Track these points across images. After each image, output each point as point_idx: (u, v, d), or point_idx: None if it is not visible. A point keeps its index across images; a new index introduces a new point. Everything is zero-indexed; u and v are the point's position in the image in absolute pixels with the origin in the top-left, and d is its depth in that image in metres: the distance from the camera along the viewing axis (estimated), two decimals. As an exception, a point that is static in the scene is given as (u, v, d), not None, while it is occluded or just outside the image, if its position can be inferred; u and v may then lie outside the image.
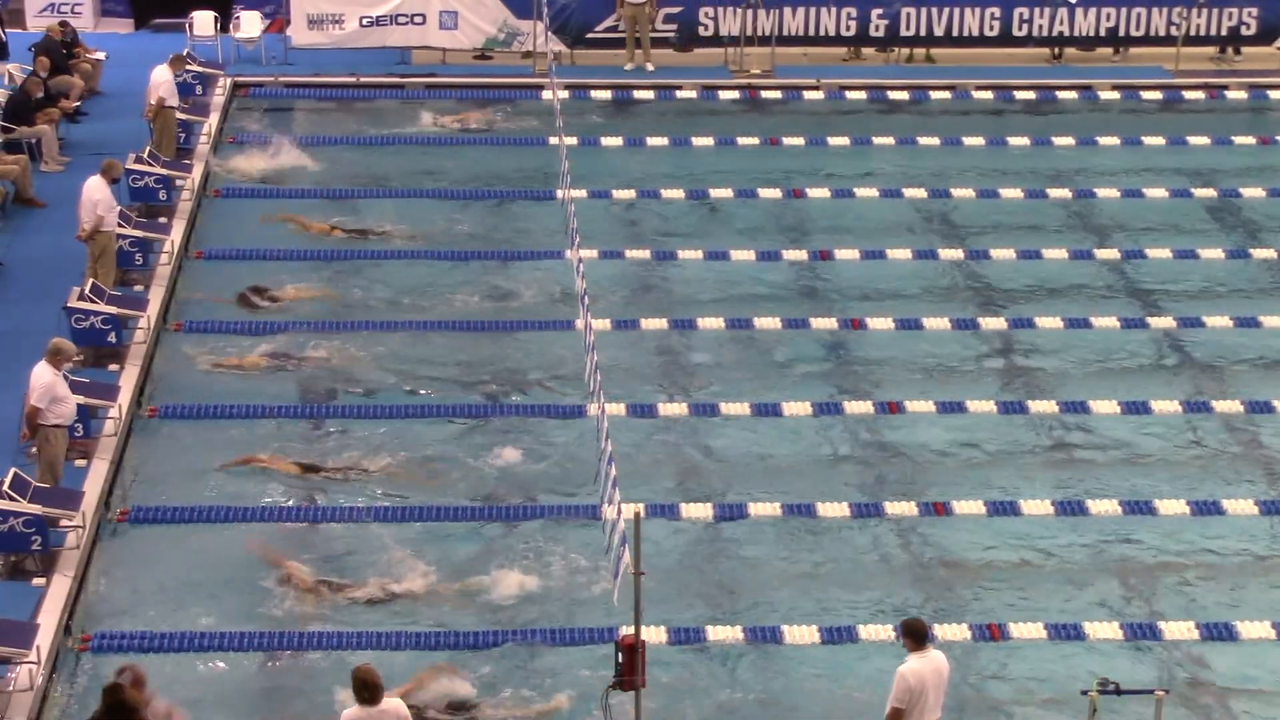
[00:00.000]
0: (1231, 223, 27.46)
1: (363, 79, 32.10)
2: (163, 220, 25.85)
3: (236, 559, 19.00)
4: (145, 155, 26.48)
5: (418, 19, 32.50)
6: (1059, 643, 17.75)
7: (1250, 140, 30.53)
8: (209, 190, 27.61)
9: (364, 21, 32.41)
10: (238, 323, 23.69)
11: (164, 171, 26.46)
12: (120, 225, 24.07)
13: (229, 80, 31.53)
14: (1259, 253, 26.32)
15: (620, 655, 16.06)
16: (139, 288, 24.07)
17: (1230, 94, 32.43)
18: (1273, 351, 23.64)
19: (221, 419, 21.51)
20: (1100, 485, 20.60)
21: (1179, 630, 17.94)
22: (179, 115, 28.18)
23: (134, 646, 17.43)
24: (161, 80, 27.62)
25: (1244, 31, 33.52)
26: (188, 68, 29.43)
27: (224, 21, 32.94)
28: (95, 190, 23.34)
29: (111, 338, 22.38)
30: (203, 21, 32.77)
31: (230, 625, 17.91)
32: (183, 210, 26.44)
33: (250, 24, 32.98)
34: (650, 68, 32.52)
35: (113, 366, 22.21)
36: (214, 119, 29.81)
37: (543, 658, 17.57)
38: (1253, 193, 28.16)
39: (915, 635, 14.88)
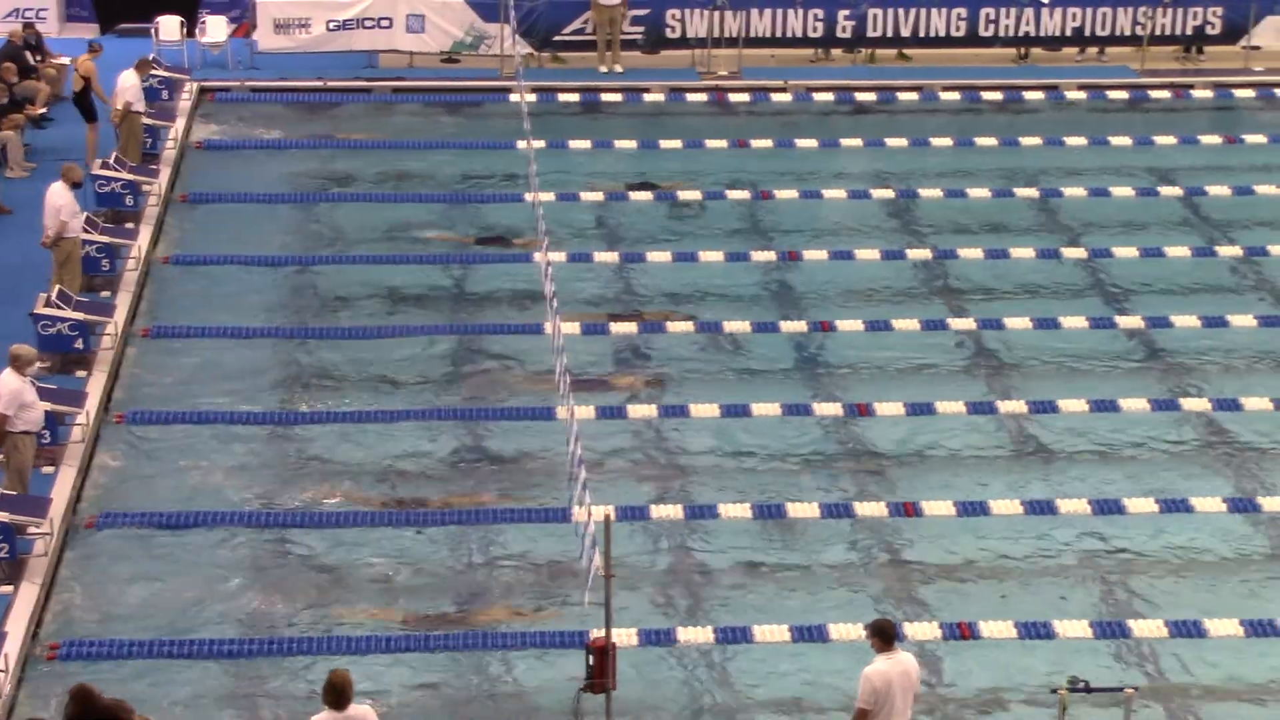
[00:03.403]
0: (1198, 221, 27.55)
1: (330, 83, 32.04)
2: (129, 226, 25.78)
3: (206, 565, 18.94)
4: (112, 160, 26.40)
5: (384, 22, 32.46)
6: (1029, 641, 17.77)
7: (1216, 139, 30.64)
8: (176, 195, 27.54)
9: (330, 25, 32.35)
10: (206, 328, 23.61)
11: (130, 177, 26.39)
12: (87, 231, 23.99)
13: (195, 85, 31.46)
14: (1225, 251, 26.41)
15: (591, 657, 16.07)
16: (106, 294, 24.00)
17: (1196, 93, 32.55)
18: (1240, 349, 23.72)
19: (190, 424, 21.44)
20: (1069, 484, 20.64)
21: (1148, 628, 17.98)
22: (145, 120, 28.10)
23: (103, 655, 17.35)
24: (128, 85, 27.52)
25: (1209, 31, 33.65)
26: (153, 72, 29.34)
27: (190, 26, 32.85)
28: (58, 196, 23.26)
29: (79, 344, 22.30)
30: (168, 26, 32.68)
31: (201, 633, 17.85)
32: (149, 215, 26.37)
33: (216, 28, 32.91)
34: (619, 69, 32.52)
35: (80, 373, 22.13)
36: (180, 124, 29.74)
37: (513, 661, 17.54)
38: (1218, 191, 28.26)
39: (883, 635, 14.87)
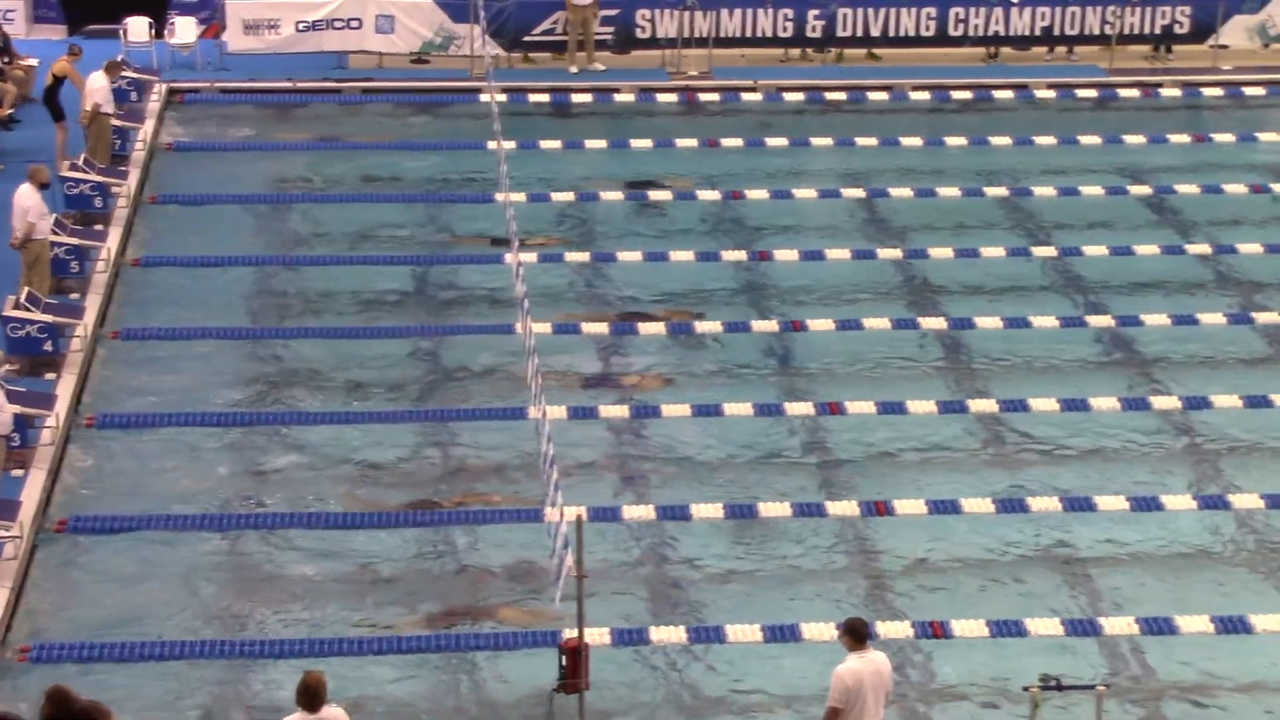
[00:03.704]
0: (1167, 220, 27.64)
1: (299, 84, 31.98)
2: (99, 228, 25.70)
3: (177, 567, 18.89)
4: (80, 162, 26.31)
5: (354, 23, 32.40)
6: (1001, 639, 17.80)
7: (1185, 138, 30.75)
8: (145, 197, 27.46)
9: (300, 26, 32.28)
10: (177, 328, 23.55)
11: (99, 178, 26.31)
12: (56, 233, 23.91)
13: (164, 86, 31.38)
14: (1194, 248, 26.50)
15: (564, 658, 16.08)
16: (75, 296, 23.92)
17: (1164, 92, 32.66)
18: (1210, 347, 23.80)
19: (160, 427, 21.38)
20: (1040, 482, 20.69)
21: (1119, 625, 18.03)
22: (114, 122, 28.01)
23: (74, 657, 17.29)
24: (97, 86, 27.43)
25: (1177, 30, 33.77)
26: (122, 74, 29.25)
27: (158, 27, 32.75)
28: (25, 198, 23.17)
29: (48, 346, 22.22)
30: (137, 27, 32.57)
31: (173, 635, 17.80)
32: (119, 217, 26.30)
33: (185, 30, 32.80)
34: (601, 68, 32.52)
35: (49, 375, 22.05)
36: (149, 125, 29.66)
37: (486, 661, 17.52)
38: (1187, 190, 28.35)
39: (855, 634, 14.88)
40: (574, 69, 32.50)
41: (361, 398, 22.29)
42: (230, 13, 32.39)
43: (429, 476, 20.73)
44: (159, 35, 32.65)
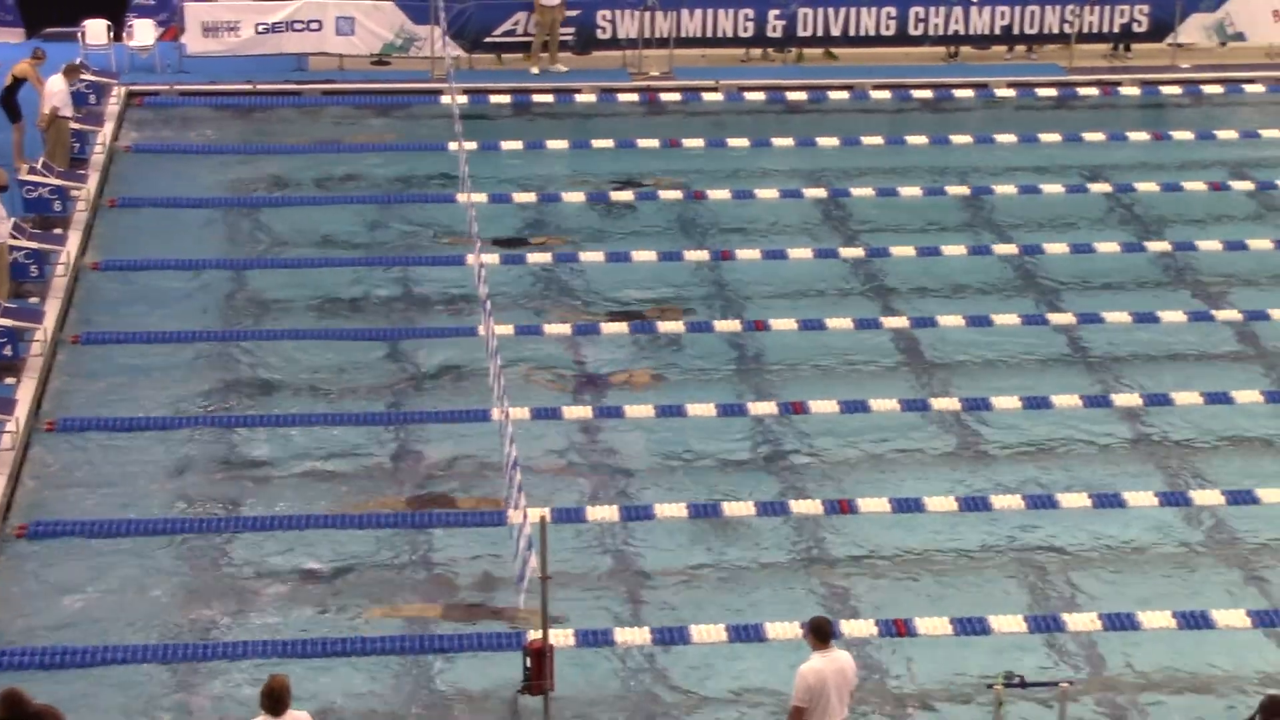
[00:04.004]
0: (1127, 217, 27.74)
1: (259, 86, 31.87)
2: (58, 231, 25.58)
3: (139, 572, 18.81)
4: (39, 166, 26.19)
5: (314, 25, 32.31)
6: (965, 637, 17.83)
7: (1144, 136, 30.85)
8: (105, 200, 27.35)
9: (259, 28, 32.17)
10: (138, 333, 23.46)
11: (58, 182, 26.20)
12: (15, 237, 23.81)
13: (123, 89, 31.25)
14: (1154, 246, 26.61)
15: (528, 660, 16.06)
16: (35, 300, 23.81)
17: (1124, 90, 32.77)
18: (1170, 344, 23.90)
19: (122, 431, 21.29)
20: (1003, 480, 20.74)
21: (1082, 622, 18.08)
22: (73, 125, 27.88)
23: (36, 664, 17.20)
24: (55, 90, 27.31)
25: (1136, 29, 33.91)
26: (81, 77, 29.12)
27: (117, 30, 32.60)
28: (-17, 202, 23.10)
29: (8, 351, 22.12)
30: (95, 30, 32.40)
31: (134, 639, 17.73)
32: (78, 221, 26.18)
33: (144, 32, 32.65)
34: (563, 69, 32.50)
35: (9, 380, 21.94)
36: (109, 128, 29.54)
37: (451, 663, 17.49)
38: (1147, 187, 28.45)
39: (819, 633, 14.91)
40: (535, 69, 32.46)
41: (324, 399, 22.22)
42: (189, 15, 32.24)
43: (392, 478, 20.68)
44: (118, 38, 32.50)
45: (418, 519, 19.79)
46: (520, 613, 17.63)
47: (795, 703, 14.76)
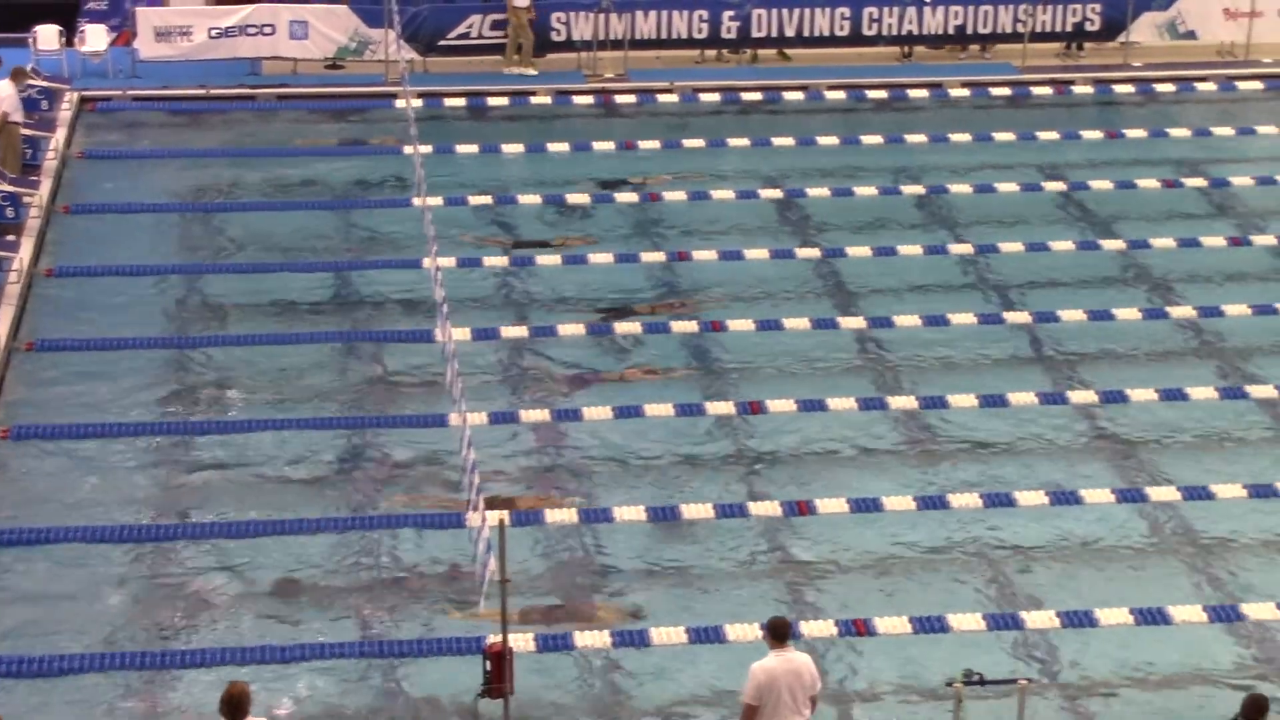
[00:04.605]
0: (1081, 216, 27.86)
1: (213, 91, 31.75)
2: (11, 238, 25.44)
3: (95, 579, 18.72)
4: (-9, 172, 26.09)
5: (267, 29, 32.20)
6: (924, 636, 17.87)
7: (1097, 134, 30.97)
8: (58, 206, 27.21)
9: (212, 33, 32.04)
10: (92, 340, 23.34)
11: (10, 189, 26.06)
12: (-33, 244, 23.68)
13: (76, 95, 31.08)
14: (1108, 244, 26.71)
15: (488, 663, 16.03)
16: (-12, 307, 23.72)
17: (1077, 89, 32.90)
18: (1125, 342, 24.00)
19: (76, 439, 21.18)
20: (960, 478, 20.80)
21: (1040, 619, 18.14)
22: (24, 131, 27.72)
23: (-10, 673, 17.13)
24: (4, 95, 27.15)
25: (1088, 28, 34.06)
26: (30, 82, 28.95)
27: (69, 35, 32.42)
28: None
29: (-39, 358, 22.02)
30: (46, 35, 32.18)
31: (91, 647, 17.63)
32: (31, 228, 26.04)
33: (96, 37, 32.47)
34: (533, 71, 32.49)
35: (-37, 388, 21.84)
36: (61, 134, 29.39)
37: (410, 667, 17.45)
38: (1101, 185, 28.57)
39: (775, 633, 14.96)
40: (511, 70, 32.43)
41: (280, 404, 22.14)
42: (141, 20, 32.09)
43: (349, 482, 20.62)
44: (69, 43, 32.32)
45: (375, 522, 19.73)
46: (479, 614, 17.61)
47: (745, 699, 14.83)
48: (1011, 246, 26.40)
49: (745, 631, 17.70)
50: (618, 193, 28.17)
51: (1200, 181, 29.02)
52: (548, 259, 25.85)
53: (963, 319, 24.20)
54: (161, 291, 24.92)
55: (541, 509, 19.80)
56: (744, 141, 30.24)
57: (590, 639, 17.75)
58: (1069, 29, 34.07)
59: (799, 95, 32.51)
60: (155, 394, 22.36)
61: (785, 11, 33.25)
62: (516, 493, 20.32)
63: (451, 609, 18.31)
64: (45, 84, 30.13)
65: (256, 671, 17.13)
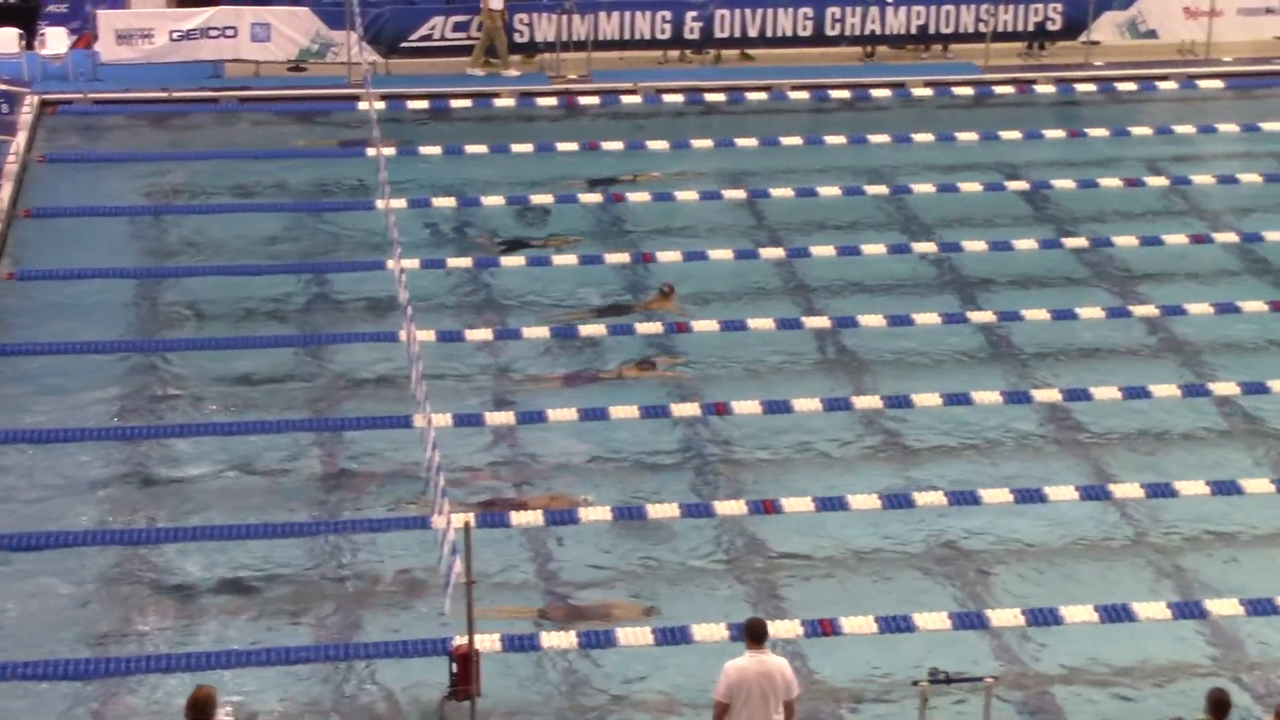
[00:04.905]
0: (1044, 215, 27.95)
1: (175, 94, 31.64)
2: (-28, 242, 25.38)
3: (56, 585, 18.64)
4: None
5: (229, 32, 32.10)
6: (890, 635, 17.89)
7: (1060, 133, 31.07)
8: (19, 210, 27.08)
9: (174, 35, 31.94)
10: (55, 344, 23.23)
11: (-29, 193, 25.95)
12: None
13: (36, 98, 30.94)
14: (1071, 243, 26.80)
15: (454, 665, 16.01)
16: (-51, 312, 23.61)
17: (1039, 89, 33.00)
18: (1088, 340, 24.09)
19: (40, 443, 21.08)
20: (925, 477, 20.84)
21: (1006, 618, 18.18)
22: (-15, 135, 27.66)
23: (-46, 679, 17.05)
24: (-35, 99, 27.08)
25: (1050, 27, 34.18)
26: (-14, 84, 28.88)
27: (29, 38, 32.28)
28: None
29: (-78, 363, 21.91)
30: (6, 38, 32.03)
31: (53, 652, 17.54)
32: (-8, 231, 25.99)
33: (56, 40, 32.33)
34: (515, 73, 32.50)
35: (-76, 393, 21.73)
36: (22, 138, 29.26)
37: (376, 670, 17.42)
38: (1063, 184, 28.65)
39: (751, 634, 15.01)
40: (474, 71, 32.41)
41: (243, 407, 22.09)
42: (102, 23, 31.98)
43: (312, 485, 20.58)
44: (29, 46, 32.18)
45: (340, 525, 19.70)
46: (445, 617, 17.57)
47: (715, 696, 14.90)
48: (975, 245, 26.46)
49: (712, 631, 17.70)
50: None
51: (1162, 180, 29.15)
52: (513, 261, 25.80)
53: (927, 318, 24.25)
54: (124, 295, 24.84)
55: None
56: (707, 142, 30.24)
57: (557, 639, 17.73)
58: (1031, 28, 34.19)
59: (762, 95, 32.57)
60: (118, 397, 22.28)
61: (748, 12, 33.31)
62: (482, 495, 20.30)
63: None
64: (5, 87, 29.99)
65: (221, 675, 17.08)
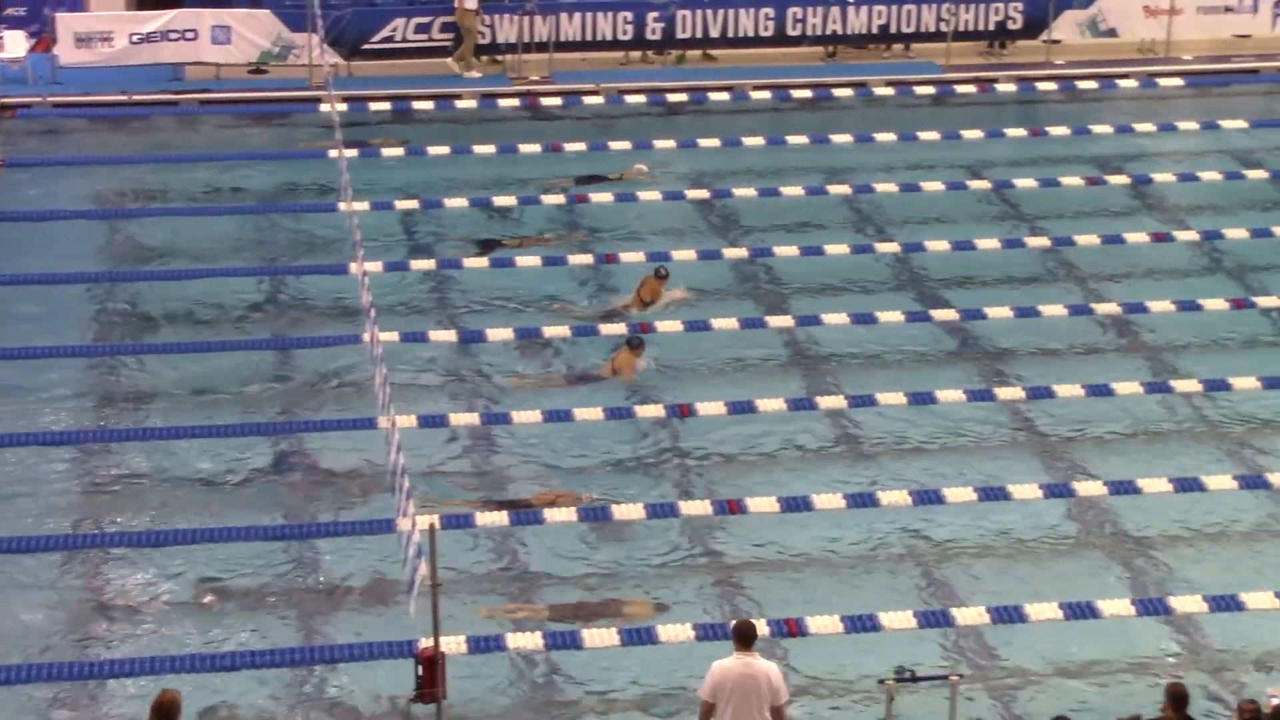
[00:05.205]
0: (1006, 213, 28.02)
1: (135, 97, 31.51)
2: (-70, 247, 25.23)
3: (21, 588, 18.55)
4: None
5: (189, 34, 31.98)
6: (856, 634, 17.90)
7: (1021, 132, 31.14)
8: (-23, 214, 27.02)
9: (134, 38, 31.81)
10: (15, 349, 23.10)
11: (-70, 197, 25.80)
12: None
13: (-5, 102, 30.86)
14: (1033, 241, 26.87)
15: (420, 668, 15.97)
16: (-92, 317, 23.47)
17: (1000, 87, 33.08)
18: (1051, 338, 24.15)
19: (2, 447, 20.98)
20: (890, 476, 20.87)
21: (971, 616, 18.21)
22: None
23: (-83, 686, 16.94)
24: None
25: (1010, 26, 34.27)
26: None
27: (-12, 42, 32.18)
28: None
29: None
30: (-35, 43, 31.98)
31: (15, 658, 17.45)
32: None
33: (14, 44, 32.16)
34: (477, 75, 32.47)
35: (-116, 399, 21.61)
36: (-19, 141, 29.18)
37: (341, 673, 17.37)
38: (1025, 183, 28.71)
39: (738, 636, 15.19)
40: (465, 73, 32.40)
41: (205, 412, 22.01)
42: (61, 26, 31.83)
43: (277, 489, 20.52)
44: (-12, 50, 32.07)
45: (304, 529, 19.64)
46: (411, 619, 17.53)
47: (700, 694, 15.00)
48: (938, 245, 26.50)
49: (677, 632, 17.69)
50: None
51: (1123, 178, 29.26)
52: (475, 262, 25.76)
53: (890, 317, 24.28)
54: (85, 299, 24.73)
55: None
56: (670, 143, 30.22)
57: (523, 641, 17.70)
58: (991, 28, 34.27)
59: (724, 96, 32.58)
60: (80, 402, 22.18)
61: (710, 12, 33.32)
62: (447, 496, 20.27)
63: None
64: (-36, 91, 29.87)
65: (186, 679, 17.00)
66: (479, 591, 18.78)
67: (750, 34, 33.59)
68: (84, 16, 32.09)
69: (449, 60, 32.57)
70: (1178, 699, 14.92)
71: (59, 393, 22.34)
